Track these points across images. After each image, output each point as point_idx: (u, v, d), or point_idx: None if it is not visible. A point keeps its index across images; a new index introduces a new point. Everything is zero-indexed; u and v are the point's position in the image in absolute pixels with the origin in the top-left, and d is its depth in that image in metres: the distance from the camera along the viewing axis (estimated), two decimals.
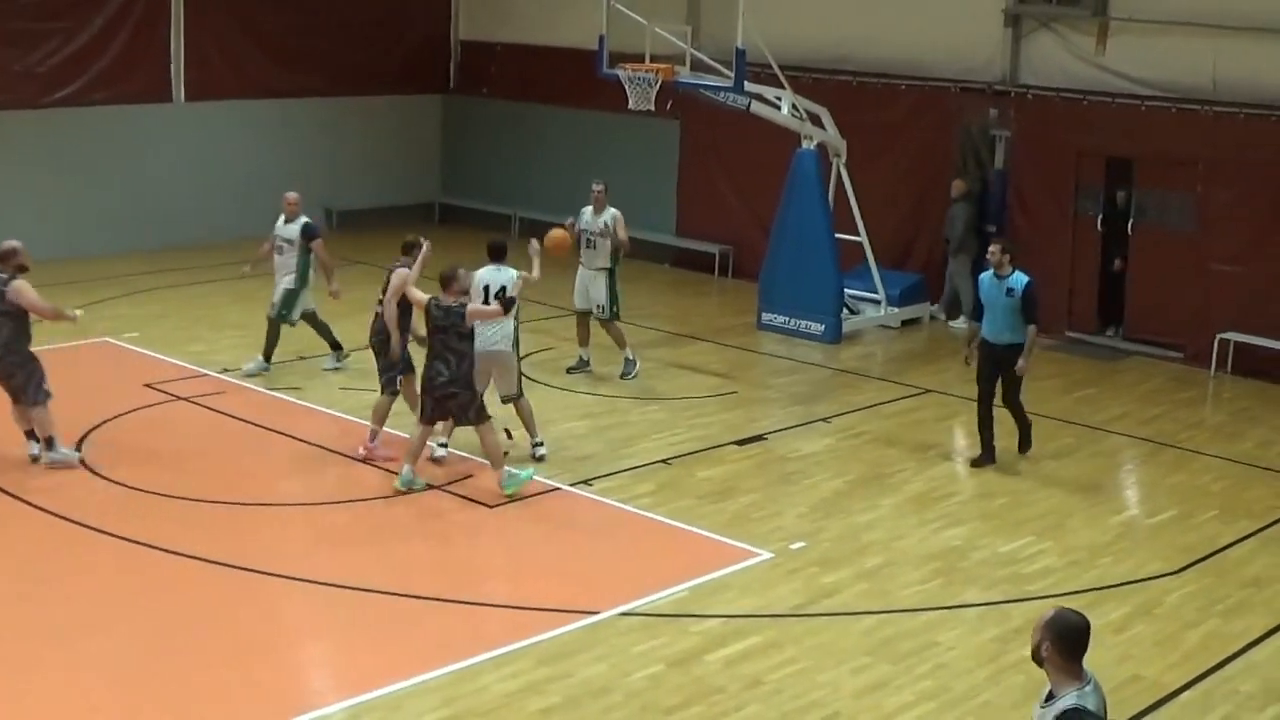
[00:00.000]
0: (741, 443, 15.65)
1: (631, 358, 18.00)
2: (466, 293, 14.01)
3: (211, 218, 25.35)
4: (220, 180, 25.48)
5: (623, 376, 17.81)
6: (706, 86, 19.71)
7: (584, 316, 18.11)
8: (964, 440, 16.26)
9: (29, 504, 13.22)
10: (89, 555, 12.28)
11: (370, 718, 9.80)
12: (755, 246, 22.28)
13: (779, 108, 19.95)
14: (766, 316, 20.45)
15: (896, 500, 14.18)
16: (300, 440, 14.82)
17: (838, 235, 20.31)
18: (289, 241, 17.59)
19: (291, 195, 17.91)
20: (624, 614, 11.34)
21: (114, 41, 24.33)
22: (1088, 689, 6.48)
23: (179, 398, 16.47)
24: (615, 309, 17.95)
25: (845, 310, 20.45)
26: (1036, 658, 6.56)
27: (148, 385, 16.85)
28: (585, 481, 14.25)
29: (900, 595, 12.00)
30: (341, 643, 11.09)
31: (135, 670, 10.35)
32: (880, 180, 21.73)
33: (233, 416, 15.87)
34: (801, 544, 12.90)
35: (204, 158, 25.44)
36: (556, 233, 16.29)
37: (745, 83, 19.13)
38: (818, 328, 20.02)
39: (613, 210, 17.89)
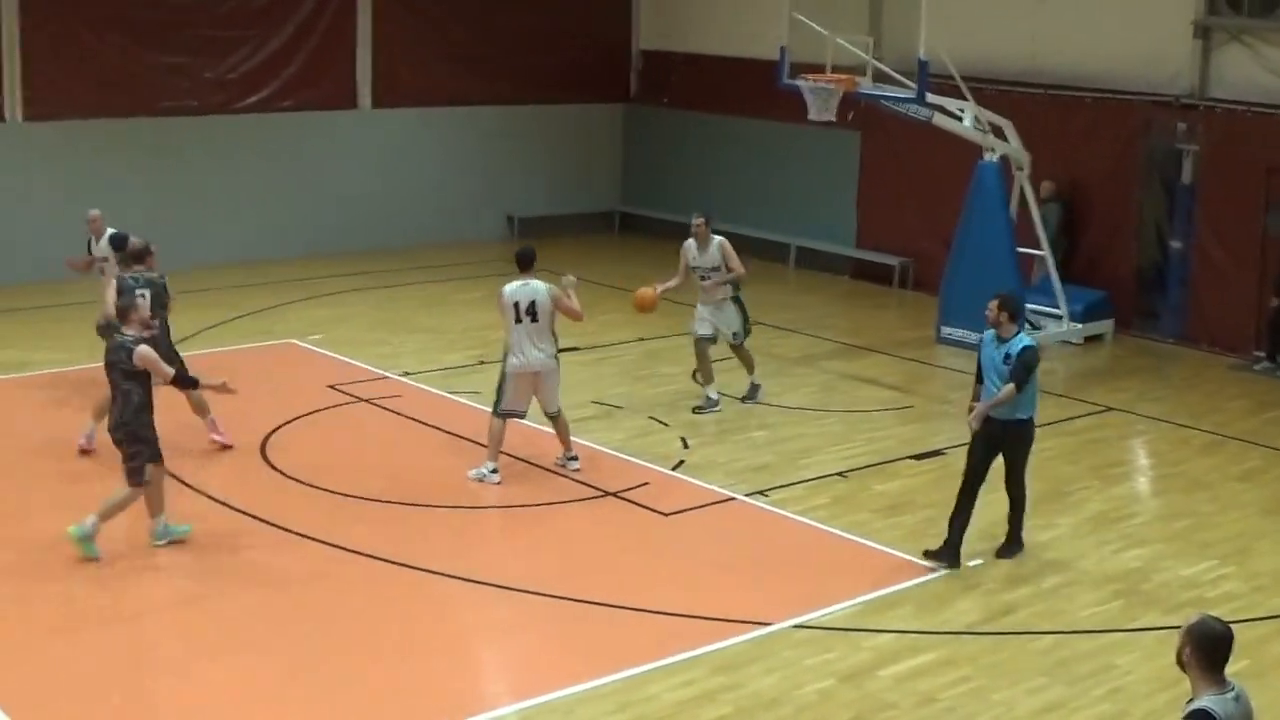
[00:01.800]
0: (918, 457, 15.52)
1: (758, 382, 17.40)
2: (148, 326, 12.63)
3: (396, 222, 25.76)
4: (404, 186, 25.88)
5: (745, 399, 17.23)
6: (888, 98, 19.58)
7: (705, 344, 17.03)
8: (1147, 459, 15.98)
9: (212, 499, 13.55)
10: (269, 552, 12.54)
11: None
12: (935, 259, 22.08)
13: (961, 119, 19.76)
14: (946, 330, 20.26)
15: (1076, 519, 13.97)
16: (478, 444, 14.97)
17: (1020, 249, 20.06)
18: (105, 259, 16.36)
19: (93, 212, 16.76)
20: (797, 626, 11.30)
21: (302, 49, 24.85)
22: (1228, 695, 6.41)
23: (361, 399, 16.75)
24: (747, 329, 17.20)
25: (1026, 325, 20.15)
26: (1180, 662, 6.61)
27: (331, 386, 17.16)
28: (761, 492, 14.23)
29: (1078, 616, 11.81)
30: (515, 646, 11.21)
31: (312, 666, 10.55)
32: (1064, 194, 21.43)
33: (413, 419, 16.10)
34: (978, 561, 12.76)
35: (388, 163, 25.86)
36: (645, 293, 16.12)
37: (927, 94, 18.98)
38: None
39: (717, 239, 16.92)
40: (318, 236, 24.77)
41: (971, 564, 12.68)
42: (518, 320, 14.19)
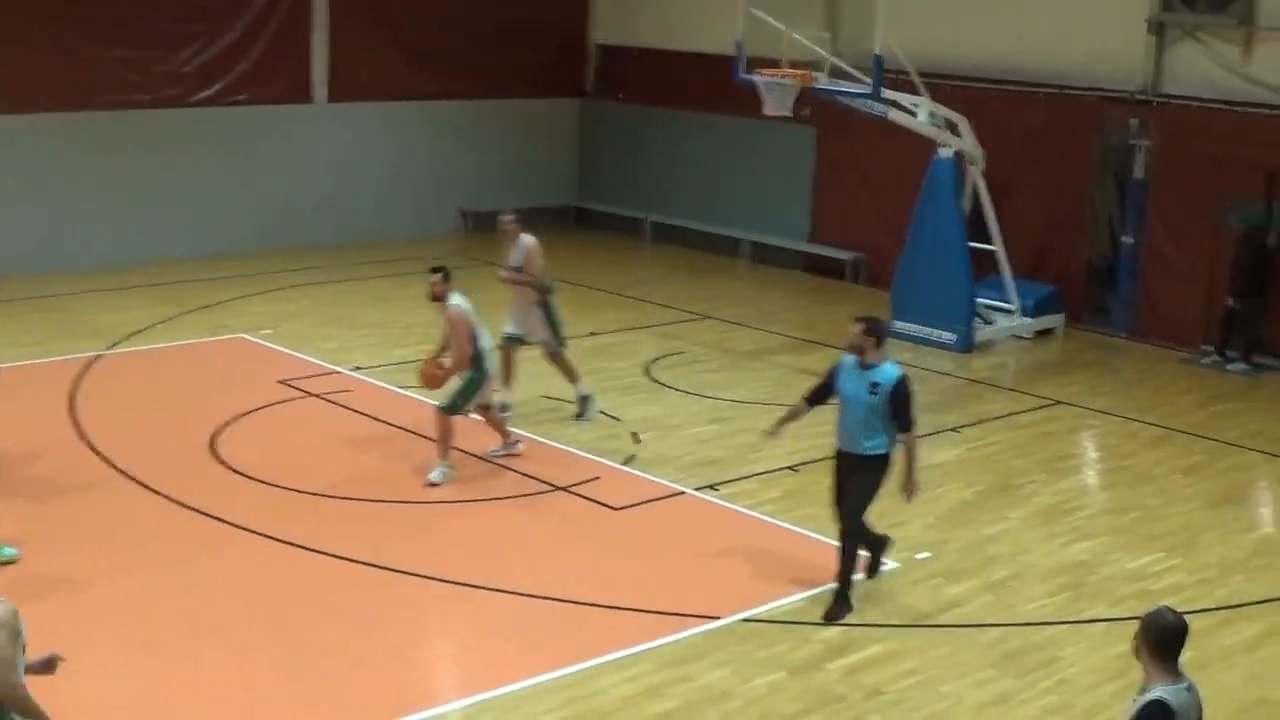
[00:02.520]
0: None
1: (586, 393, 16.29)
2: None
3: (349, 218, 25.68)
4: (359, 181, 25.80)
5: (577, 417, 16.20)
6: (843, 93, 19.62)
7: (507, 344, 16.09)
8: (1095, 453, 16.07)
9: (160, 494, 13.48)
10: (221, 549, 12.47)
11: (488, 716, 9.87)
12: (888, 254, 22.14)
13: (916, 115, 19.80)
14: (898, 324, 20.30)
15: (1025, 512, 14.02)
16: (429, 439, 14.92)
17: (971, 244, 20.12)
18: None
19: None
20: (746, 620, 11.31)
21: (257, 43, 24.73)
22: (1181, 686, 6.46)
23: (311, 394, 16.68)
24: (559, 337, 16.18)
25: (977, 319, 20.25)
26: (1137, 655, 6.68)
27: (281, 381, 17.10)
28: (711, 486, 14.24)
29: (1026, 609, 11.86)
30: (462, 640, 11.19)
31: (254, 660, 10.50)
32: (1017, 189, 21.51)
33: (363, 414, 16.05)
34: (927, 554, 12.81)
35: (343, 158, 25.77)
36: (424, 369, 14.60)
37: (883, 90, 19.02)
38: (949, 336, 19.86)
39: (527, 240, 15.93)
40: (270, 231, 24.66)
41: (919, 557, 12.72)
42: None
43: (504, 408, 15.53)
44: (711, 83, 23.98)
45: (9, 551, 11.73)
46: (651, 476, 14.48)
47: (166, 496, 13.46)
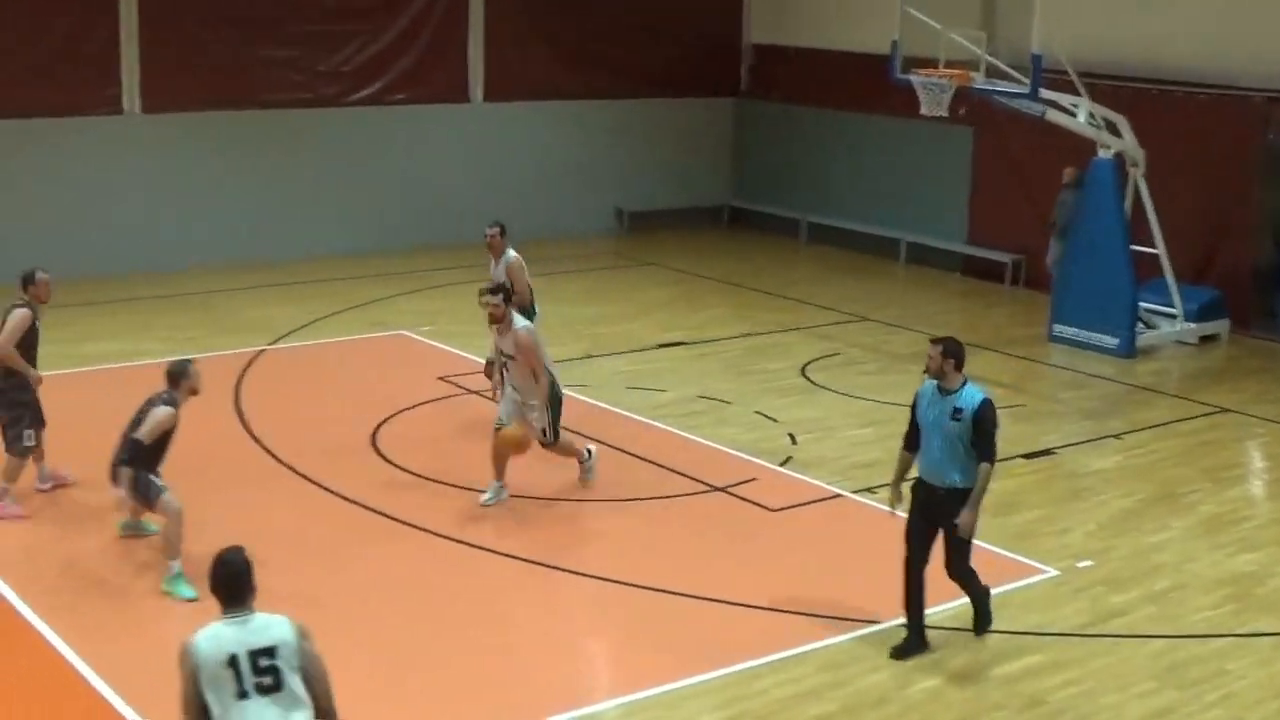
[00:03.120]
0: (1029, 456, 15.38)
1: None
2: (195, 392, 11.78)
3: (504, 217, 25.71)
4: (513, 179, 25.96)
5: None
6: (1001, 93, 19.42)
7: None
8: (1262, 462, 15.76)
9: (323, 488, 13.70)
10: (376, 542, 12.65)
11: (645, 715, 9.90)
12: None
13: (1075, 115, 19.54)
14: (1058, 328, 20.05)
15: (1189, 522, 13.78)
16: (587, 437, 15.00)
17: (1134, 247, 19.81)
18: None
19: None
20: (905, 625, 11.24)
21: (416, 43, 25.04)
22: None
23: (470, 391, 16.83)
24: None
25: (1140, 324, 19.94)
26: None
27: (441, 378, 17.27)
28: (868, 489, 14.16)
29: (1190, 620, 11.65)
30: (622, 640, 11.22)
31: (414, 655, 10.62)
32: (1179, 191, 21.15)
33: None
34: (1088, 562, 12.64)
35: (499, 157, 25.98)
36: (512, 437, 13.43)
37: (1041, 89, 18.79)
38: (1111, 341, 19.56)
39: (510, 256, 15.46)
40: (427, 229, 24.92)
41: (1081, 564, 12.56)
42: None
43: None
44: (867, 82, 23.84)
45: (188, 592, 11.44)
46: (808, 478, 14.44)
47: (330, 490, 13.67)
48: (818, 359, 18.71)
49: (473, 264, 23.54)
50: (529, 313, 15.04)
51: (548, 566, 12.16)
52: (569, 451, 13.90)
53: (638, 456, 14.84)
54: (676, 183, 27.83)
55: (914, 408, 10.73)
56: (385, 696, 10.03)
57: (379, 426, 15.48)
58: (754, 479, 14.33)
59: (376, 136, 24.79)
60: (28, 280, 13.09)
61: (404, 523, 12.92)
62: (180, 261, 22.58)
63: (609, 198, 27.21)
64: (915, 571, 10.79)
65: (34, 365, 13.06)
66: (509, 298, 13.51)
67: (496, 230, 15.56)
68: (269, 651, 6.81)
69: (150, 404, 11.49)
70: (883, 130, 25.51)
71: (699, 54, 28.07)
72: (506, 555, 12.33)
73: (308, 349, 18.80)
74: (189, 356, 11.44)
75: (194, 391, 11.61)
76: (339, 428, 15.49)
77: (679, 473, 14.39)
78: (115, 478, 11.52)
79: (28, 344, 12.93)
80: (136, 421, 11.46)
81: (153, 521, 12.14)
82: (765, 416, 16.33)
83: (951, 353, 10.48)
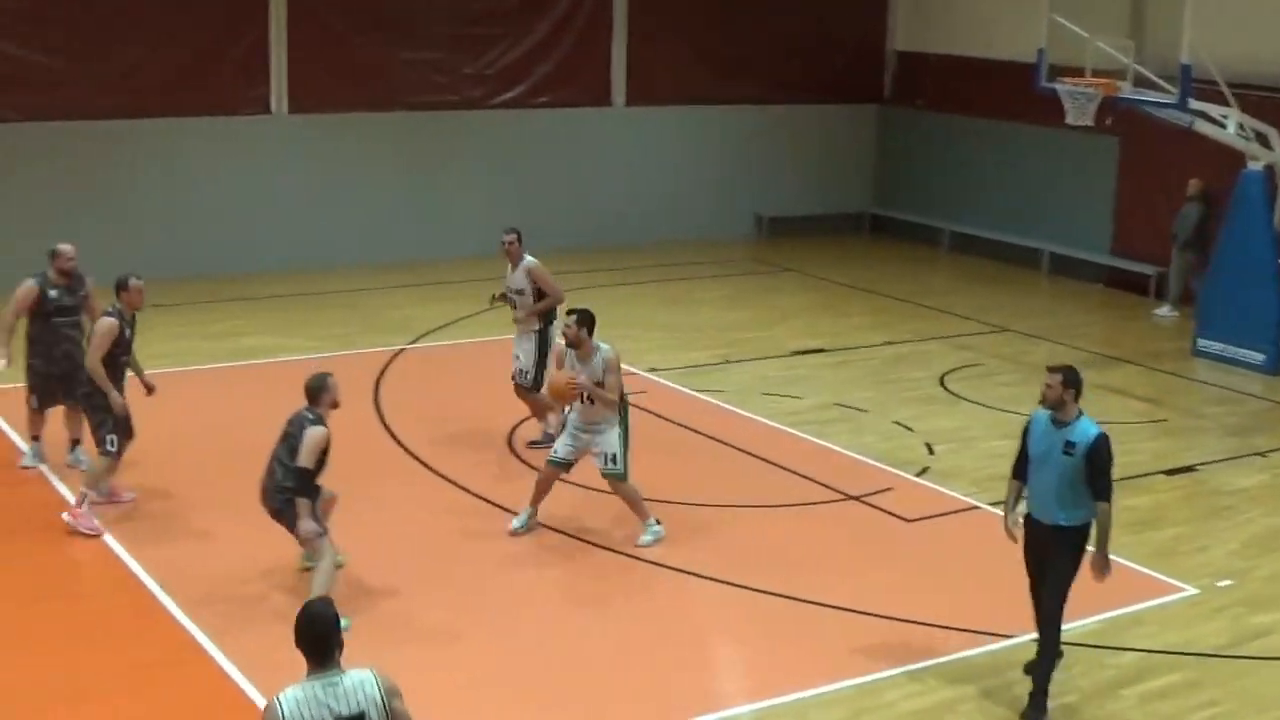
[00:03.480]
0: (1170, 473, 15.15)
1: (554, 433, 14.19)
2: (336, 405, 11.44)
3: (644, 220, 25.96)
4: (654, 184, 26.06)
5: (534, 444, 15.06)
6: (1148, 103, 19.15)
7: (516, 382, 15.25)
8: None
9: (458, 486, 13.82)
10: (520, 542, 12.74)
11: None
12: (1193, 269, 21.52)
13: (1225, 126, 19.21)
14: (1203, 343, 19.72)
15: None
16: (721, 442, 15.01)
17: None
18: None
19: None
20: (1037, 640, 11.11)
21: (559, 47, 25.20)
22: None
23: None
24: (540, 377, 14.77)
25: None
26: None
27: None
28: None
29: None
30: (751, 645, 11.20)
31: (547, 656, 10.69)
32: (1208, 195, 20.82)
33: (656, 415, 16.19)
34: (1229, 582, 12.42)
35: (639, 161, 26.08)
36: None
37: (1190, 99, 18.51)
38: (1258, 357, 19.19)
39: (528, 261, 14.99)
40: (566, 231, 25.01)
41: (1221, 584, 12.35)
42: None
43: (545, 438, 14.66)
44: (1012, 90, 23.59)
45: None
46: (945, 489, 14.34)
47: (468, 490, 13.81)
48: (957, 369, 18.57)
49: (612, 267, 23.72)
50: (548, 320, 14.99)
51: (679, 571, 12.17)
52: (635, 499, 12.92)
53: (772, 463, 14.82)
54: (817, 189, 27.74)
55: (1024, 436, 10.20)
56: (519, 698, 10.10)
57: (515, 427, 15.57)
58: (889, 489, 14.25)
59: (518, 139, 24.97)
60: (120, 286, 12.87)
61: (543, 525, 12.95)
62: (327, 260, 22.93)
63: (748, 203, 27.20)
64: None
65: (122, 374, 12.92)
66: (589, 323, 12.71)
67: (514, 237, 15.14)
68: (357, 719, 6.41)
69: (297, 425, 11.11)
70: (1027, 139, 25.24)
71: (843, 60, 27.98)
72: (637, 558, 12.37)
73: (446, 349, 19.00)
74: (325, 371, 11.45)
75: (335, 404, 11.28)
76: (475, 428, 15.61)
77: (813, 480, 14.36)
78: (273, 504, 11.23)
79: (118, 352, 12.81)
80: (289, 446, 11.10)
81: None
82: (902, 426, 16.23)
83: (1072, 382, 9.86)
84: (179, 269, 21.55)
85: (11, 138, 21.16)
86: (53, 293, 13.51)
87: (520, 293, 14.98)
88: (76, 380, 13.11)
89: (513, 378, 15.13)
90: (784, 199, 27.34)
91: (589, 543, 12.69)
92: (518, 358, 15.07)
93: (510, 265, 15.13)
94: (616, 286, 22.71)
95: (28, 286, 13.48)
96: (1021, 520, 10.25)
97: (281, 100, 23.05)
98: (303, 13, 22.93)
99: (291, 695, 6.38)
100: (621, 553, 12.50)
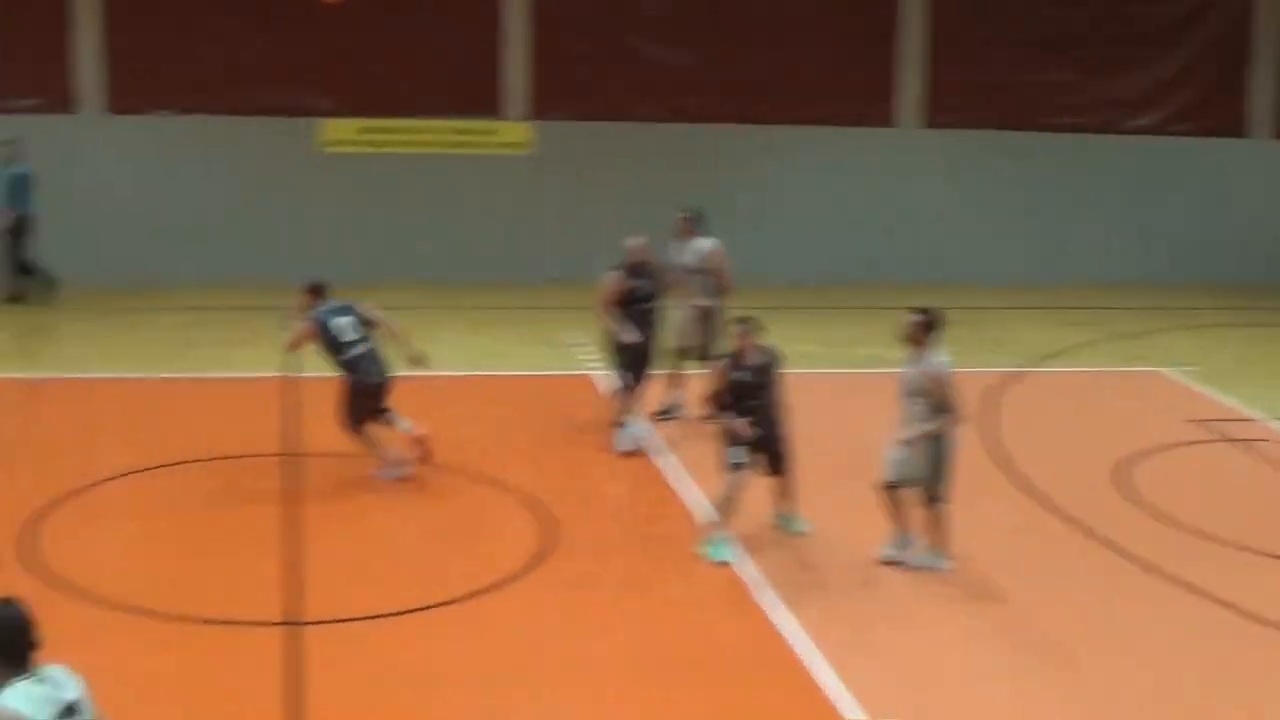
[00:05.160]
0: None
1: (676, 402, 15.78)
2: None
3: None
4: None
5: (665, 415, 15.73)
6: None
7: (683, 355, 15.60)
8: None
9: (1048, 509, 13.39)
10: (1119, 580, 12.18)
11: None
12: None
13: None
14: None
15: None
16: None
17: None
18: None
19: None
20: None
21: (1196, 73, 24.43)
22: None
23: (1225, 439, 16.01)
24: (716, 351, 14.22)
25: None
26: None
27: (1191, 420, 16.55)
28: None
29: None
30: None
31: (1118, 699, 10.16)
32: None
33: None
34: None
35: None
36: None
37: None
38: None
39: (705, 242, 15.45)
40: (1186, 263, 24.28)
41: None
42: None
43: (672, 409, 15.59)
44: None
45: (802, 526, 12.50)
46: None
47: (1069, 517, 13.36)
48: None
49: (1240, 306, 22.55)
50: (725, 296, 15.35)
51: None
52: (939, 530, 11.92)
53: None
54: None
55: None
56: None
57: (1121, 463, 14.92)
58: None
59: (1150, 169, 24.24)
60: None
61: (1140, 561, 12.36)
62: (948, 274, 23.03)
63: None
64: None
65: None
66: (931, 324, 11.61)
67: (686, 214, 15.49)
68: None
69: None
70: None
71: None
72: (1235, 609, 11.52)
73: (1062, 375, 18.70)
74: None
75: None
76: (1080, 457, 15.11)
77: None
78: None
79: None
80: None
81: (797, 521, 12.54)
82: None
83: None
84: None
85: (641, 135, 22.55)
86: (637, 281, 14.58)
87: (694, 272, 15.32)
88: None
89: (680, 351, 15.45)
90: None
91: (1189, 587, 11.96)
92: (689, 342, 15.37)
93: (680, 244, 15.39)
94: (1248, 326, 21.63)
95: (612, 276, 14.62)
96: None
97: (910, 117, 23.39)
98: (941, 33, 23.19)
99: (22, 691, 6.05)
100: (1229, 604, 11.69)
